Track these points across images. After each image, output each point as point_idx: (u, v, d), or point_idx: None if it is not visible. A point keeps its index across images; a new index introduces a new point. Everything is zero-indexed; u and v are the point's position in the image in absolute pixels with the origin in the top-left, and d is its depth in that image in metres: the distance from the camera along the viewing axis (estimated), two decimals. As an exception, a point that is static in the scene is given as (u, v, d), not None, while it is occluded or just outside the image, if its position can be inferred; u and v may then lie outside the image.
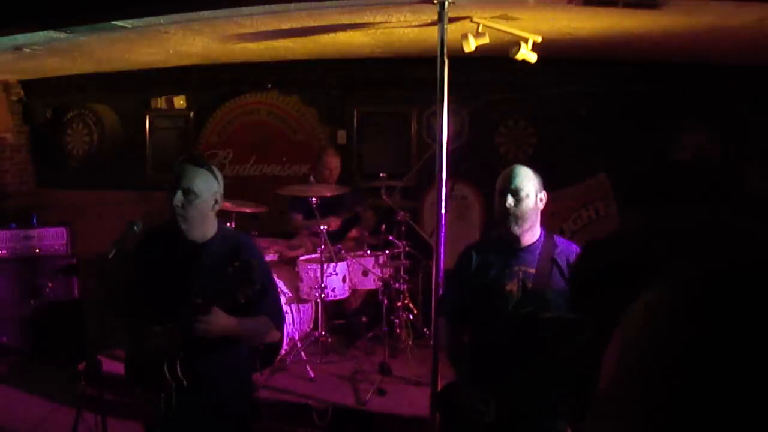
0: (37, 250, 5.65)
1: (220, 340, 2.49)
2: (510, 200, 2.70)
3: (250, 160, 6.63)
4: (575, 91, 5.67)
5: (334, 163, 5.57)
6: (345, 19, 4.08)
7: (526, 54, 3.92)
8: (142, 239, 2.66)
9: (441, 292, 3.49)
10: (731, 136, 5.57)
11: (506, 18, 3.85)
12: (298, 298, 4.96)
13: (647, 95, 5.53)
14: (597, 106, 5.74)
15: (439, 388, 3.39)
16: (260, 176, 6.59)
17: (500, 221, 2.77)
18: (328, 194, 5.09)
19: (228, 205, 5.07)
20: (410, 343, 5.15)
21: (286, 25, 4.28)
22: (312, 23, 4.20)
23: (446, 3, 3.37)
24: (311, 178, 5.33)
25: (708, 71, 5.33)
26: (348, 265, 5.01)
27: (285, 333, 4.65)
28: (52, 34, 4.34)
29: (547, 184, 2.83)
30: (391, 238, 5.19)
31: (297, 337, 4.94)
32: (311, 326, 5.25)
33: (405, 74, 5.87)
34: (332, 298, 4.91)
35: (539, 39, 3.92)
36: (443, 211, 3.47)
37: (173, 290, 2.52)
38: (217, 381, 2.61)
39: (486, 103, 6.06)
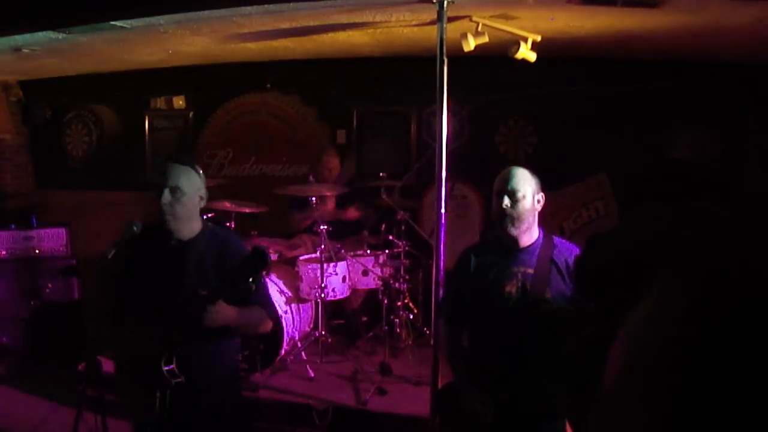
0: (37, 251, 5.65)
1: (215, 336, 2.56)
2: (506, 201, 2.69)
3: (250, 160, 6.63)
4: (575, 90, 5.67)
5: (333, 163, 5.58)
6: (344, 19, 4.08)
7: (526, 53, 3.92)
8: (128, 240, 2.67)
9: (441, 291, 3.49)
10: (731, 135, 5.56)
11: (505, 17, 3.85)
12: (298, 298, 4.96)
13: (647, 94, 5.53)
14: (597, 105, 5.73)
15: (439, 388, 3.38)
16: (260, 176, 6.59)
17: (497, 222, 2.77)
18: (327, 193, 5.09)
19: (228, 205, 5.08)
20: (410, 342, 5.16)
21: (285, 25, 4.27)
22: (311, 23, 4.20)
23: (445, 2, 3.36)
24: (311, 178, 5.34)
25: (708, 70, 5.32)
26: (348, 265, 5.01)
27: (285, 333, 4.65)
28: (51, 34, 4.34)
29: (546, 184, 2.83)
30: (391, 237, 5.19)
31: (297, 337, 4.93)
32: (311, 326, 5.25)
33: (404, 74, 5.86)
34: (332, 298, 4.91)
35: (539, 38, 3.91)
36: (443, 210, 3.47)
37: (164, 288, 2.57)
38: (210, 378, 2.65)
39: (485, 102, 6.06)
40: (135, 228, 2.63)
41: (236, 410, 2.88)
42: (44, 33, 4.29)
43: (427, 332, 5.16)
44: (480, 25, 3.72)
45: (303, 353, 4.81)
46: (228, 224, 5.08)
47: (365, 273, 5.05)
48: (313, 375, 4.65)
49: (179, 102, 7.05)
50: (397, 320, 5.20)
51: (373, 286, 5.10)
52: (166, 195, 2.56)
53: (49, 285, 5.61)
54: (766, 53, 4.72)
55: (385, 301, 4.99)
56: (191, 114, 6.96)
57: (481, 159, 6.04)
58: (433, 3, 3.43)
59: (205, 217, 4.97)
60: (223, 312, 2.46)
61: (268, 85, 6.54)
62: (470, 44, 3.73)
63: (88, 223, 6.41)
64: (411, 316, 5.32)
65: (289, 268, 5.26)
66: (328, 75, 6.21)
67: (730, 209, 0.60)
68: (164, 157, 2.79)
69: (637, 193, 5.53)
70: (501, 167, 2.85)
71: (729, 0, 3.42)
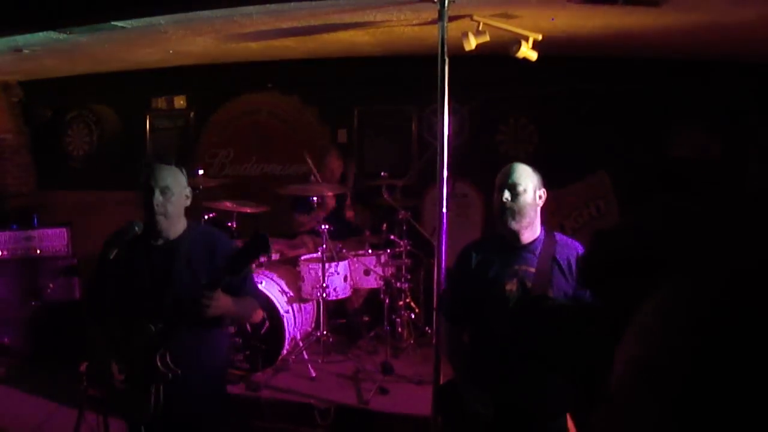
0: (38, 251, 5.65)
1: (209, 327, 2.66)
2: (507, 195, 2.68)
3: (251, 159, 6.63)
4: (576, 89, 5.67)
5: (335, 164, 5.58)
6: (345, 18, 4.07)
7: (527, 52, 3.92)
8: (110, 241, 2.69)
9: (443, 290, 3.48)
10: (732, 134, 5.56)
11: (507, 16, 3.85)
12: (299, 298, 4.96)
13: (648, 93, 5.53)
14: (598, 104, 5.73)
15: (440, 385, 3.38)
16: (261, 176, 6.59)
17: (498, 217, 2.75)
18: (329, 193, 5.09)
19: (229, 205, 5.08)
20: (412, 342, 5.15)
21: (286, 25, 4.27)
22: (312, 22, 4.20)
23: (447, 1, 3.36)
24: (312, 177, 5.33)
25: (709, 68, 5.32)
26: (349, 265, 5.01)
27: (287, 332, 4.65)
28: (51, 34, 4.34)
29: (547, 182, 2.81)
30: (392, 237, 5.19)
31: (299, 337, 4.93)
32: (313, 326, 5.25)
33: (405, 73, 5.86)
34: (334, 298, 4.90)
35: (540, 37, 3.91)
36: (445, 209, 3.46)
37: (155, 286, 2.62)
38: (202, 371, 2.70)
39: (486, 101, 6.06)
40: (137, 228, 2.65)
41: (224, 403, 2.94)
42: (45, 33, 4.29)
43: (429, 331, 5.16)
44: (481, 24, 3.72)
45: (305, 353, 4.81)
46: (229, 224, 5.08)
47: (367, 272, 5.04)
48: (314, 374, 4.65)
49: (180, 102, 7.05)
50: (398, 320, 5.20)
51: (375, 286, 5.10)
52: (158, 195, 2.62)
53: (51, 285, 5.61)
54: (766, 51, 4.72)
55: (387, 301, 4.99)
56: (192, 114, 6.96)
57: (481, 158, 6.03)
58: (434, 2, 3.43)
59: (206, 216, 5.03)
60: (221, 301, 2.53)
61: (269, 85, 6.54)
62: (471, 43, 3.73)
63: (89, 223, 6.40)
64: (412, 316, 5.32)
65: (290, 267, 5.26)
66: (329, 74, 6.21)
67: (733, 207, 0.60)
68: (148, 158, 2.83)
69: (637, 192, 5.53)
70: (501, 166, 2.84)
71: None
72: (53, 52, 5.10)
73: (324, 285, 4.75)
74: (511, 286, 2.72)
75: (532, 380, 2.58)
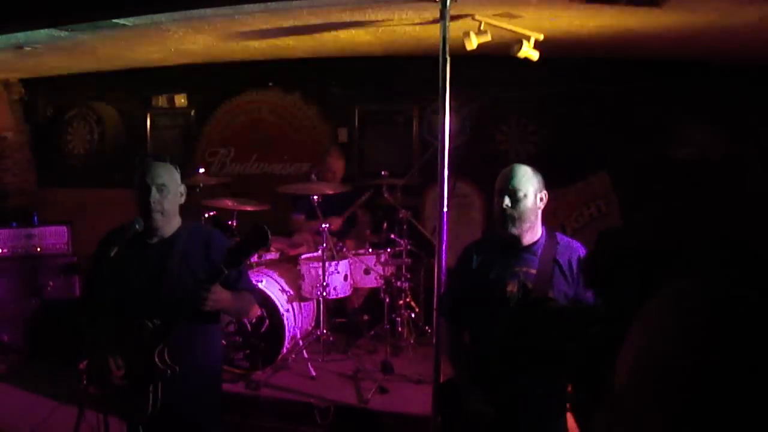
0: (39, 249, 5.65)
1: (206, 322, 2.68)
2: (507, 201, 2.66)
3: (252, 158, 6.63)
4: (577, 89, 5.67)
5: (337, 165, 5.56)
6: (347, 17, 4.07)
7: (528, 52, 3.91)
8: (108, 240, 2.69)
9: (443, 289, 3.48)
10: (733, 135, 5.56)
11: (508, 16, 3.85)
12: (299, 297, 4.96)
13: (649, 93, 5.53)
14: (598, 104, 5.73)
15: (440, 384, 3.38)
16: (261, 174, 6.59)
17: (498, 222, 2.74)
18: (330, 192, 5.08)
19: (229, 204, 5.08)
20: (412, 341, 5.15)
21: (287, 23, 4.27)
22: (314, 21, 4.19)
23: (448, 1, 3.35)
24: (313, 176, 5.33)
25: (710, 69, 5.32)
26: (350, 264, 5.01)
27: (287, 331, 4.65)
28: (53, 32, 4.34)
29: (548, 183, 2.79)
30: (392, 236, 5.19)
31: (299, 336, 4.93)
32: (313, 325, 5.25)
33: (406, 72, 5.87)
34: (334, 297, 4.90)
35: (541, 37, 3.91)
36: (445, 209, 3.46)
37: (151, 284, 2.63)
38: (199, 367, 2.71)
39: (487, 101, 6.06)
40: (138, 226, 2.65)
41: (217, 400, 2.95)
42: (47, 31, 4.29)
43: (429, 331, 5.16)
44: (482, 23, 3.72)
45: (304, 352, 4.81)
46: (230, 222, 5.08)
47: (367, 271, 5.04)
48: (314, 374, 4.65)
49: (181, 100, 7.05)
50: (398, 319, 5.20)
51: (375, 285, 5.10)
52: (155, 193, 2.62)
53: (51, 283, 5.61)
54: (766, 52, 4.71)
55: (387, 300, 4.99)
56: (193, 112, 6.96)
57: (482, 157, 6.03)
58: (435, 1, 3.42)
59: (207, 215, 5.03)
60: (221, 295, 2.54)
61: (270, 84, 6.54)
62: (473, 43, 3.73)
63: (89, 221, 6.40)
64: (412, 315, 5.32)
65: (290, 266, 5.26)
66: (330, 73, 6.21)
67: (736, 207, 0.60)
68: (141, 156, 2.83)
69: (638, 192, 5.53)
70: (502, 166, 2.82)
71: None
72: (54, 49, 5.10)
73: (324, 284, 4.75)
74: (512, 287, 2.72)
75: (532, 380, 2.58)
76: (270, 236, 2.49)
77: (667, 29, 4.15)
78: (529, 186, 2.69)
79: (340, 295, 4.95)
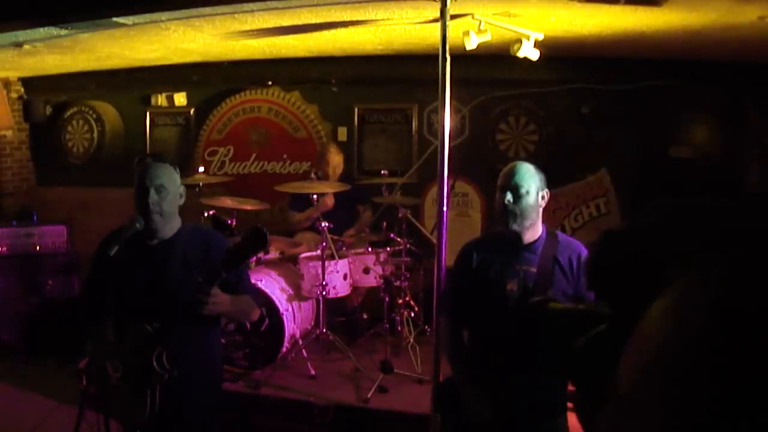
0: (38, 248, 5.65)
1: (205, 326, 2.64)
2: (509, 197, 2.67)
3: (251, 157, 6.63)
4: (576, 88, 5.67)
5: (336, 161, 5.55)
6: (347, 16, 4.07)
7: (528, 51, 3.91)
8: (109, 239, 2.68)
9: (443, 289, 3.48)
10: (732, 133, 5.56)
11: (508, 15, 3.84)
12: (299, 296, 4.96)
13: (648, 92, 5.53)
14: (598, 103, 5.73)
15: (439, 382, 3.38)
16: (261, 173, 6.59)
17: (500, 218, 2.75)
18: (330, 191, 5.08)
19: (229, 203, 5.08)
20: (411, 340, 5.15)
21: (287, 22, 4.27)
22: (313, 20, 4.19)
23: (448, 0, 3.35)
24: (312, 176, 5.32)
25: (709, 68, 5.32)
26: (349, 263, 5.01)
27: (286, 330, 4.65)
28: (52, 30, 4.33)
29: (548, 181, 2.81)
30: (392, 235, 5.19)
31: (298, 335, 4.93)
32: (312, 324, 5.25)
33: (406, 71, 5.86)
34: (333, 296, 4.90)
35: (541, 36, 3.91)
36: (445, 208, 3.46)
37: (150, 286, 2.61)
38: (198, 371, 2.68)
39: (487, 100, 6.06)
40: (138, 225, 2.63)
41: (218, 403, 2.92)
42: (46, 29, 4.28)
43: (428, 330, 5.16)
44: (482, 22, 3.72)
45: (304, 351, 4.81)
46: (229, 221, 5.08)
47: (366, 271, 5.04)
48: (314, 372, 4.65)
49: (180, 99, 7.05)
50: (398, 318, 5.20)
51: (374, 284, 5.10)
52: (153, 194, 2.60)
53: (50, 282, 5.62)
54: (766, 52, 4.71)
55: (386, 299, 4.98)
56: (192, 111, 6.96)
57: (482, 157, 6.04)
58: (435, 0, 3.42)
59: (206, 214, 5.03)
60: (219, 299, 2.50)
61: (270, 83, 6.53)
62: (472, 42, 3.72)
63: (88, 220, 6.41)
64: (412, 314, 5.32)
65: (290, 265, 5.26)
66: (330, 72, 6.20)
67: (743, 207, 0.60)
68: (140, 156, 2.81)
69: (638, 192, 5.54)
70: (502, 165, 2.84)
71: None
72: (54, 47, 5.09)
73: (324, 283, 4.75)
74: (512, 286, 2.72)
75: (532, 380, 2.58)
76: (268, 239, 2.45)
77: (666, 28, 4.15)
78: (532, 183, 2.69)
79: (339, 295, 4.95)
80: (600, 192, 5.79)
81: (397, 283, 5.07)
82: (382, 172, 5.42)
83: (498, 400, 2.64)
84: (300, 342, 4.89)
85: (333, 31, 4.58)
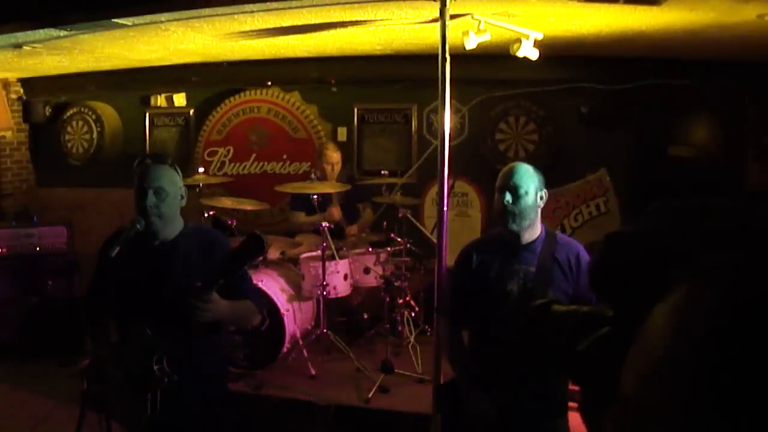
0: (38, 248, 5.65)
1: (205, 331, 2.56)
2: (508, 197, 2.68)
3: (251, 157, 6.63)
4: (576, 87, 5.67)
5: (335, 158, 5.55)
6: (346, 16, 4.07)
7: (528, 51, 3.91)
8: (111, 240, 2.67)
9: (443, 290, 3.48)
10: (732, 133, 5.56)
11: (507, 15, 3.85)
12: (299, 296, 4.96)
13: (648, 91, 5.53)
14: (598, 102, 5.74)
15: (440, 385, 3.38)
16: (261, 174, 6.59)
17: (499, 219, 2.75)
18: (330, 191, 5.08)
19: (229, 203, 5.08)
20: (412, 340, 5.15)
21: (286, 23, 4.27)
22: (313, 20, 4.19)
23: (447, 0, 3.35)
24: (312, 176, 5.32)
25: (709, 67, 5.32)
26: (350, 263, 5.01)
27: (287, 331, 4.65)
28: (52, 31, 4.33)
29: (547, 181, 2.82)
30: (392, 235, 5.19)
31: (299, 335, 4.93)
32: (313, 324, 5.25)
33: (406, 71, 5.86)
34: (334, 296, 4.90)
35: (540, 36, 3.91)
36: (445, 208, 3.46)
37: (151, 289, 2.57)
38: (199, 376, 2.65)
39: (486, 99, 6.06)
40: (138, 226, 2.61)
41: (224, 408, 2.88)
42: (45, 30, 4.28)
43: (429, 330, 5.16)
44: (482, 22, 3.72)
45: (304, 351, 4.81)
46: (229, 222, 5.08)
47: (367, 271, 5.04)
48: (314, 373, 4.65)
49: (180, 99, 7.05)
50: (398, 318, 5.20)
51: (375, 284, 5.10)
52: (151, 197, 2.57)
53: (50, 282, 5.61)
54: (765, 51, 4.72)
55: (387, 299, 4.99)
56: (192, 111, 6.96)
57: (481, 156, 6.04)
58: (434, 1, 3.42)
59: (206, 214, 5.03)
60: (217, 305, 2.44)
61: (269, 83, 6.53)
62: (472, 42, 3.72)
63: (88, 220, 6.42)
64: (412, 314, 5.32)
65: (290, 266, 5.26)
66: (329, 72, 6.20)
67: (741, 205, 0.60)
68: (141, 157, 2.78)
69: (637, 191, 5.54)
70: (501, 165, 2.85)
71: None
72: (53, 48, 5.09)
73: (324, 283, 4.75)
74: (512, 286, 2.73)
75: (533, 380, 2.59)
76: (266, 245, 2.39)
77: (666, 27, 4.16)
78: (530, 183, 2.70)
79: (340, 295, 4.95)
80: (600, 191, 5.79)
81: (398, 283, 5.07)
82: (382, 172, 5.42)
83: (499, 400, 2.64)
84: (300, 342, 4.89)
85: (332, 32, 4.58)
